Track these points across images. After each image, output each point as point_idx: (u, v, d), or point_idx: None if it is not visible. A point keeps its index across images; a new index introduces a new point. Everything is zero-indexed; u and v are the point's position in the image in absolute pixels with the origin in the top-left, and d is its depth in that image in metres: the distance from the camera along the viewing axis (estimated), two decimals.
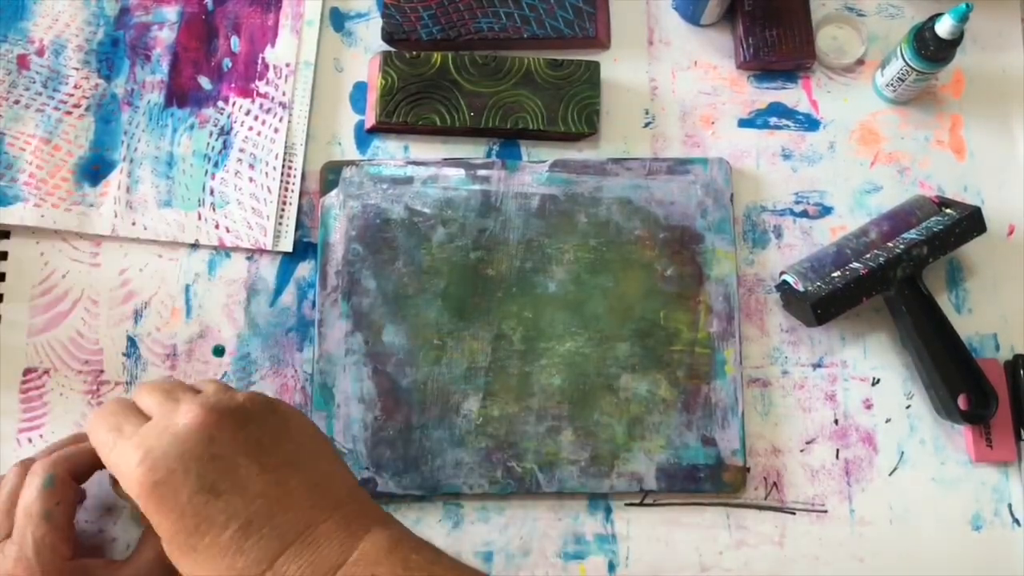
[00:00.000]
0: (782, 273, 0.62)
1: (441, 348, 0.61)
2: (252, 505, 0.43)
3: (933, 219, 0.61)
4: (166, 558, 0.50)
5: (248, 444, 0.45)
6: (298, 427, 0.48)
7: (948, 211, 0.62)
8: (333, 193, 0.63)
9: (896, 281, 0.60)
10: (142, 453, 0.44)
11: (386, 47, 0.67)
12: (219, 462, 0.44)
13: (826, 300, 0.59)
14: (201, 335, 0.62)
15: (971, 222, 0.61)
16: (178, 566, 0.44)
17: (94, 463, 0.53)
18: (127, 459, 0.44)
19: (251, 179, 0.64)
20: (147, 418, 0.47)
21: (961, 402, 0.59)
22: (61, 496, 0.51)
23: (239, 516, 0.43)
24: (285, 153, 0.64)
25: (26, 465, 0.53)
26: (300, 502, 0.44)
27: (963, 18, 0.59)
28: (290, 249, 0.63)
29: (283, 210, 0.64)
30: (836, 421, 0.62)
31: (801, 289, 0.60)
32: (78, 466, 0.52)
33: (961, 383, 0.59)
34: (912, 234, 0.61)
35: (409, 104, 0.64)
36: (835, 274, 0.60)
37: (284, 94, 0.65)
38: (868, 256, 0.61)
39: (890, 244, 0.61)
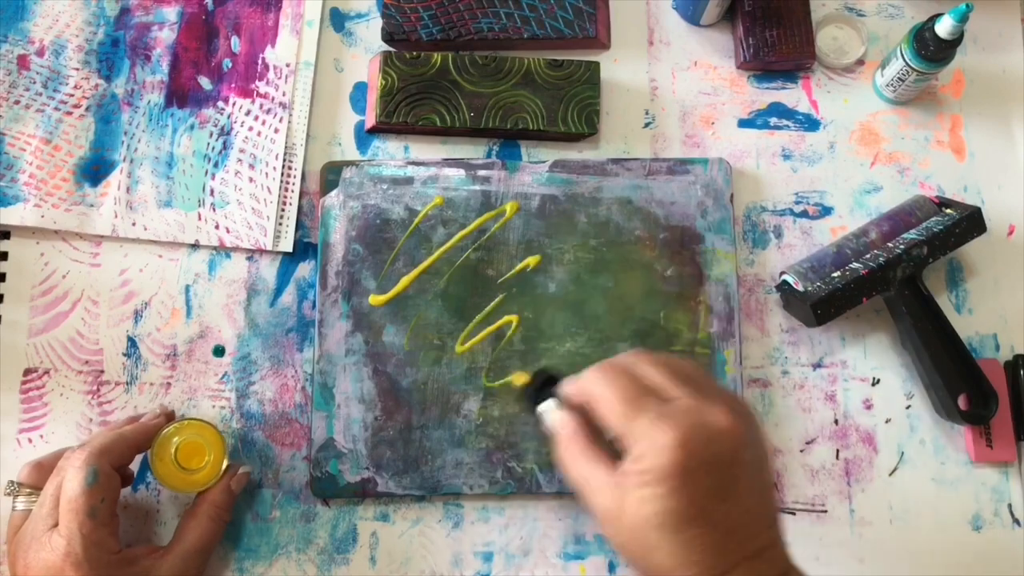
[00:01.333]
0: (782, 273, 0.62)
1: (441, 348, 0.61)
2: (738, 519, 0.45)
3: (933, 219, 0.61)
4: (205, 545, 0.53)
5: (754, 460, 0.46)
6: (766, 456, 0.49)
7: (948, 211, 0.62)
8: (333, 193, 0.63)
9: (896, 281, 0.60)
10: (680, 437, 0.44)
11: (386, 47, 0.67)
12: (735, 470, 0.45)
13: (826, 300, 0.59)
14: (201, 335, 0.62)
15: (971, 222, 0.61)
16: (638, 537, 0.45)
17: (136, 449, 0.55)
18: (657, 436, 0.44)
19: (251, 179, 0.64)
20: (659, 395, 0.46)
21: (961, 402, 0.59)
22: (105, 491, 0.52)
23: (726, 524, 0.44)
24: (285, 153, 0.64)
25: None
26: (764, 525, 0.46)
27: (963, 18, 0.59)
28: (290, 249, 0.63)
29: (283, 210, 0.64)
30: (836, 421, 0.62)
31: (801, 289, 0.60)
32: (120, 455, 0.53)
33: (961, 383, 0.59)
34: (912, 234, 0.61)
35: (409, 104, 0.64)
36: (835, 274, 0.60)
37: (284, 94, 0.65)
38: (868, 256, 0.61)
39: (890, 244, 0.61)
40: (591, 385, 0.48)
